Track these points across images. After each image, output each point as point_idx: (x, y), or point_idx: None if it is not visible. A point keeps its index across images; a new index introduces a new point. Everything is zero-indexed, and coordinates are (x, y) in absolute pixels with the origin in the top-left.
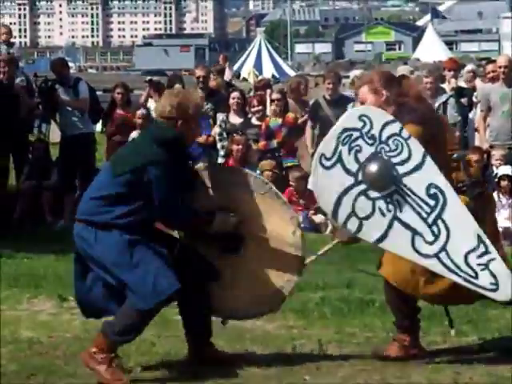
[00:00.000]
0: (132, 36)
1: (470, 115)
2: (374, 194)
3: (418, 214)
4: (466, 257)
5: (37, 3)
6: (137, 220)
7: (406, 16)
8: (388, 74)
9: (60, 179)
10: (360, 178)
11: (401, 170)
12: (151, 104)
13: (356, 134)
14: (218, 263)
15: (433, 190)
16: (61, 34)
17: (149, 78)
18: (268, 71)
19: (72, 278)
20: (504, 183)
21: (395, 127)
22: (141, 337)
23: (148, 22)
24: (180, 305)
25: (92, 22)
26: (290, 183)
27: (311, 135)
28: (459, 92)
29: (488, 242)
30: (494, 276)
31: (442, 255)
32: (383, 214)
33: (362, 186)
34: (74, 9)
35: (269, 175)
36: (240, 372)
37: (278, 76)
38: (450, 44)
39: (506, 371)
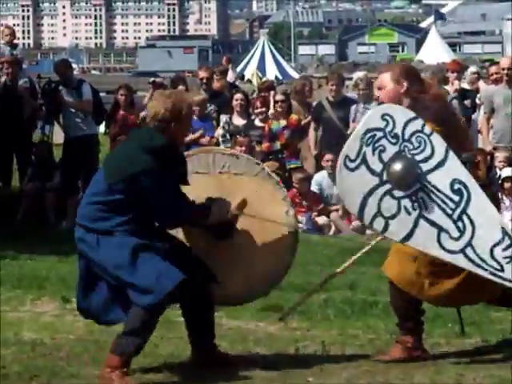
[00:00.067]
0: (135, 37)
1: (474, 117)
2: (399, 193)
3: (443, 210)
4: (491, 250)
5: (40, 4)
6: (137, 226)
7: (409, 18)
8: (412, 68)
9: (63, 181)
10: (385, 177)
11: (425, 167)
12: None
13: (379, 134)
14: (209, 249)
15: (457, 186)
16: (64, 35)
17: (152, 79)
18: (271, 73)
19: (75, 280)
20: (507, 185)
21: (417, 124)
22: None
23: (151, 24)
24: (182, 306)
25: (95, 23)
26: (293, 185)
27: (314, 137)
28: (462, 94)
29: None
30: None
31: (468, 250)
32: (409, 213)
33: (387, 186)
34: (77, 10)
35: None
36: (243, 374)
37: (281, 77)
38: (453, 46)
39: (509, 373)
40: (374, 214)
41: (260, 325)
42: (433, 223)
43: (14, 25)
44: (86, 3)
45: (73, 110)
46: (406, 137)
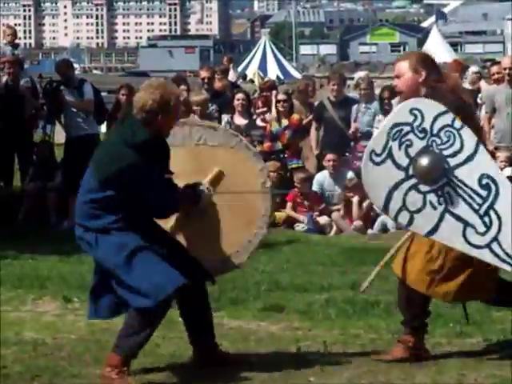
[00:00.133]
0: (137, 37)
1: None
2: (424, 187)
3: (470, 205)
4: None
5: (42, 4)
6: (133, 222)
7: (410, 17)
8: (429, 57)
9: (64, 180)
10: (410, 172)
11: (452, 161)
12: None
13: (406, 129)
14: (184, 225)
15: (485, 181)
16: (66, 35)
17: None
18: (273, 73)
19: (76, 279)
20: None
21: (447, 118)
22: None
23: (153, 23)
24: (180, 307)
25: (97, 23)
26: (295, 185)
27: (316, 137)
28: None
29: None
30: None
31: (494, 245)
32: (434, 208)
33: (413, 181)
34: (78, 10)
35: (273, 176)
36: (244, 374)
37: (282, 77)
38: (454, 45)
39: (511, 372)
40: (399, 208)
41: (261, 324)
42: (459, 218)
43: (16, 24)
44: (88, 3)
45: (74, 110)
46: (435, 131)
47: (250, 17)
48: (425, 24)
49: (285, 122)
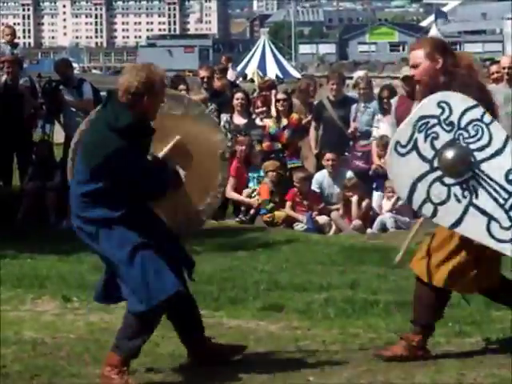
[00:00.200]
0: (136, 36)
1: None
2: (449, 180)
3: (495, 199)
4: None
5: (41, 4)
6: (131, 213)
7: (409, 17)
8: (443, 42)
9: (64, 180)
10: (435, 164)
11: (479, 156)
12: None
13: (433, 122)
14: None
15: None
16: (65, 34)
17: None
18: (272, 72)
19: (75, 279)
20: None
21: (476, 112)
22: None
23: (152, 23)
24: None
25: (96, 22)
26: (294, 184)
27: (315, 136)
28: None
29: None
30: None
31: None
32: (458, 200)
33: (438, 173)
34: (77, 9)
35: (273, 175)
36: (244, 373)
37: (281, 77)
38: (453, 45)
39: (510, 372)
40: (423, 200)
41: (261, 324)
42: (483, 212)
43: (15, 24)
44: (87, 2)
45: (73, 109)
46: (462, 125)
47: (249, 16)
48: (424, 23)
49: (284, 122)
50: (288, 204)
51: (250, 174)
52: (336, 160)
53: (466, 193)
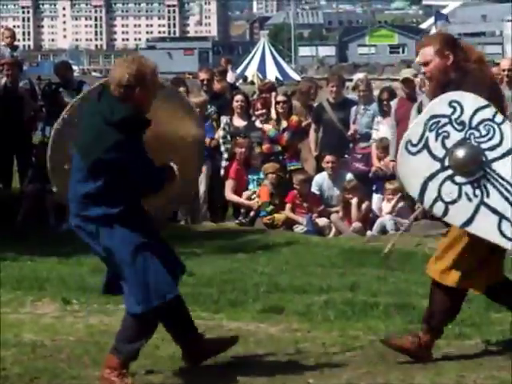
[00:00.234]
0: (136, 39)
1: None
2: (460, 179)
3: (506, 199)
4: None
5: (40, 6)
6: (130, 207)
7: (409, 19)
8: (453, 37)
9: None
10: (446, 163)
11: (490, 155)
12: None
13: (444, 121)
14: None
15: None
16: (64, 36)
17: None
18: (271, 74)
19: (75, 281)
20: None
21: (488, 112)
22: None
23: (152, 25)
24: None
25: (96, 25)
26: (294, 186)
27: (315, 138)
28: None
29: None
30: None
31: None
32: (469, 199)
33: (449, 172)
34: (77, 12)
35: (272, 178)
36: (244, 375)
37: (281, 79)
38: None
39: (510, 374)
40: (435, 199)
41: (261, 326)
42: (494, 211)
43: (15, 26)
44: (86, 5)
45: None
46: (474, 125)
47: (249, 18)
48: (424, 25)
49: (284, 124)
50: (288, 206)
51: (249, 177)
52: (336, 162)
53: (477, 192)
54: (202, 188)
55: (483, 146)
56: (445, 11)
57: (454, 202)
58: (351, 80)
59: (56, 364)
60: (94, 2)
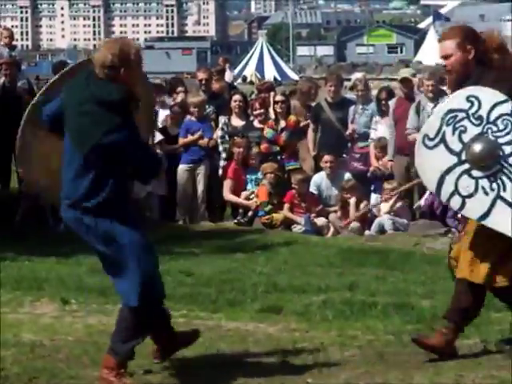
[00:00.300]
0: (134, 39)
1: None
2: (477, 173)
3: None
4: None
5: (39, 6)
6: (126, 192)
7: (407, 18)
8: (473, 30)
9: None
10: (463, 157)
11: (507, 149)
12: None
13: (461, 115)
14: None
15: None
16: (63, 36)
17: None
18: (270, 74)
19: (74, 281)
20: None
21: (506, 107)
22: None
23: (150, 25)
24: None
25: (94, 24)
26: (293, 186)
27: (313, 138)
28: None
29: None
30: None
31: None
32: (486, 193)
33: (465, 166)
34: (75, 11)
35: (271, 177)
36: (242, 375)
37: (279, 79)
38: None
39: (509, 373)
40: (452, 192)
41: (259, 326)
42: (511, 205)
43: (13, 26)
44: (85, 4)
45: None
46: (491, 119)
47: (247, 18)
48: (422, 25)
49: (282, 124)
50: (286, 206)
51: (247, 176)
52: (334, 162)
53: (494, 186)
54: (201, 188)
55: (500, 140)
56: (443, 11)
57: (470, 195)
58: (349, 79)
59: (55, 364)
60: (92, 2)
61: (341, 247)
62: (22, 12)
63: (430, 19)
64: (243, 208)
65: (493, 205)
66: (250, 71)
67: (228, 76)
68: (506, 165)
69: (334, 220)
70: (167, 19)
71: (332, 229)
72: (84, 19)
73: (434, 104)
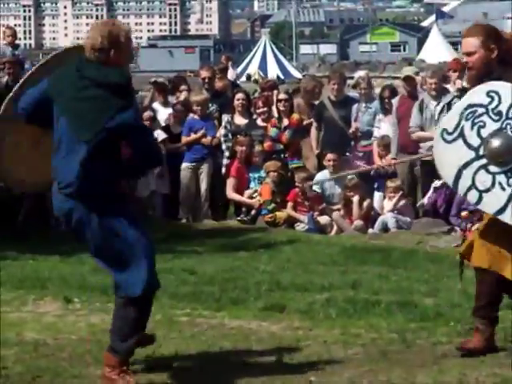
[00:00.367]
0: (137, 37)
1: None
2: (494, 168)
3: None
4: None
5: (42, 5)
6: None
7: (410, 17)
8: (496, 29)
9: None
10: (481, 152)
11: None
12: (157, 106)
13: (481, 110)
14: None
15: None
16: (65, 35)
17: (153, 79)
18: (273, 72)
19: (77, 280)
20: None
21: None
22: None
23: (153, 24)
24: None
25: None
26: (296, 184)
27: (316, 136)
28: (464, 93)
29: None
30: None
31: None
32: (503, 188)
33: (483, 161)
34: (78, 10)
35: (274, 176)
36: (245, 373)
37: (282, 77)
38: (454, 45)
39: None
40: (469, 187)
41: (262, 324)
42: None
43: (16, 25)
44: (88, 3)
45: None
46: (511, 115)
47: (250, 16)
48: (425, 23)
49: (285, 122)
50: (289, 204)
51: (251, 175)
52: (337, 160)
53: (511, 181)
54: (204, 186)
55: None
56: (445, 9)
57: (487, 190)
58: (352, 78)
59: (58, 363)
60: (96, 1)
61: (344, 245)
62: (25, 11)
63: (433, 17)
64: (246, 206)
65: (509, 200)
66: (253, 70)
67: (231, 74)
68: None
69: (337, 218)
70: (170, 18)
71: (335, 227)
72: (87, 18)
73: (436, 102)
